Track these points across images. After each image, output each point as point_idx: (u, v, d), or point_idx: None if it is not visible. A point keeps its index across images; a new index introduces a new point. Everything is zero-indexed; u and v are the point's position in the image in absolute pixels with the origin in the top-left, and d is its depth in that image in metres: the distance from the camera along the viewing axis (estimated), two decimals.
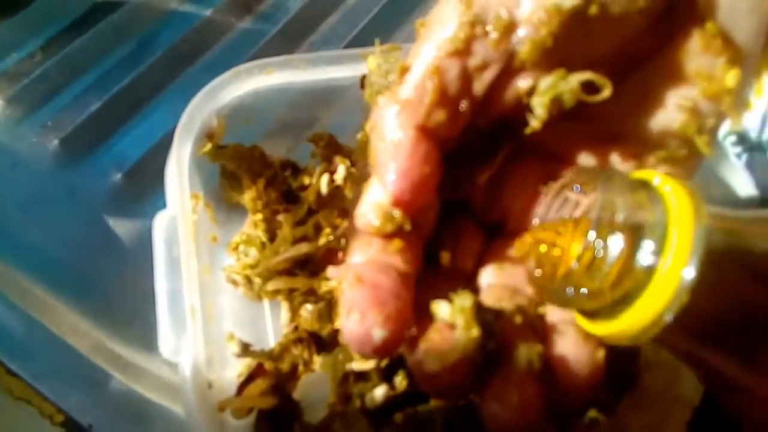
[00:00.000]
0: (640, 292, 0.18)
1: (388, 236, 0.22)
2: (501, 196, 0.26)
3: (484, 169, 0.25)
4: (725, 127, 0.45)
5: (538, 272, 0.22)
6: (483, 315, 0.21)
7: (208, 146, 0.37)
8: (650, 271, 0.18)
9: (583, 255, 0.19)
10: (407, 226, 0.22)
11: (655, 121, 0.23)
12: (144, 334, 0.36)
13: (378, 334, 0.20)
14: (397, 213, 0.21)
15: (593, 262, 0.19)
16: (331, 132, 0.41)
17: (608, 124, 0.24)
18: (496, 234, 0.26)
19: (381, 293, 0.21)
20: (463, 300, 0.21)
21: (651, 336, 0.19)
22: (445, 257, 0.24)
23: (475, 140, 0.24)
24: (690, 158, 0.23)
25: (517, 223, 0.25)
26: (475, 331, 0.20)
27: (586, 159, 0.25)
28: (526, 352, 0.21)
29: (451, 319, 0.21)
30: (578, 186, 0.22)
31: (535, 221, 0.23)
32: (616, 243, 0.19)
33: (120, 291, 0.38)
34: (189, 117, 0.36)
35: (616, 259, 0.18)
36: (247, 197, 0.38)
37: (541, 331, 0.23)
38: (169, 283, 0.31)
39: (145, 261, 0.34)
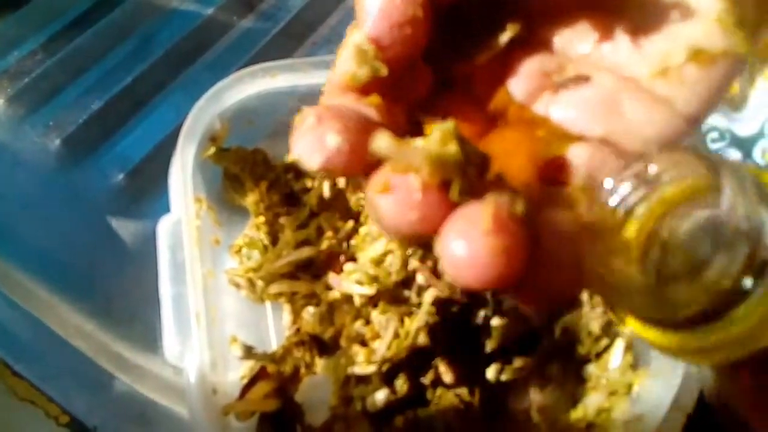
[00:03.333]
0: (740, 312, 0.16)
1: (365, 90, 0.20)
2: (503, 82, 0.23)
3: (484, 48, 0.23)
4: (708, 122, 0.45)
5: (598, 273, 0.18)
6: (465, 146, 0.18)
7: (212, 149, 0.37)
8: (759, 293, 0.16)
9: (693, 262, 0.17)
10: (383, 71, 0.19)
11: (684, 7, 0.20)
12: (146, 336, 0.36)
13: (332, 139, 0.17)
14: (371, 49, 0.19)
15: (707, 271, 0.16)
16: None
17: (623, 12, 0.21)
18: (497, 122, 0.24)
19: (342, 110, 0.19)
20: (445, 124, 0.18)
21: (730, 359, 0.17)
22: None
23: (474, 13, 0.23)
24: (722, 61, 0.20)
25: (519, 112, 0.23)
26: (453, 147, 0.17)
27: (593, 53, 0.22)
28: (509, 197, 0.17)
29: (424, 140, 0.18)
30: (654, 166, 0.18)
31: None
32: (738, 254, 0.16)
33: (122, 292, 0.38)
34: (193, 120, 0.36)
35: (736, 271, 0.16)
36: (250, 200, 0.39)
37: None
38: (173, 287, 0.32)
39: (147, 262, 0.34)
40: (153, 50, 0.48)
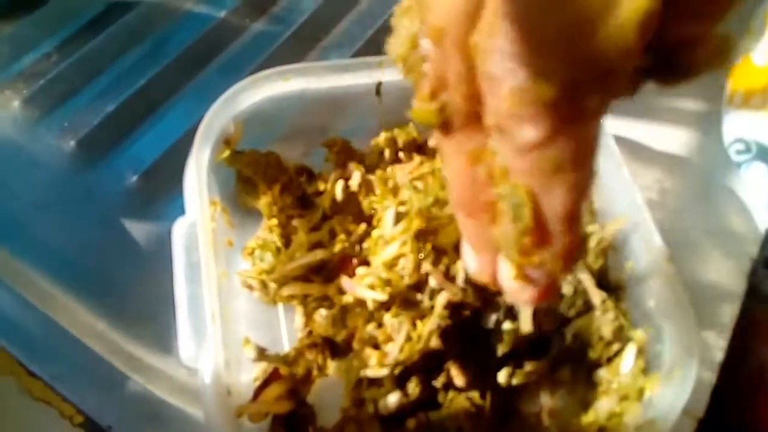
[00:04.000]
0: None
1: None
2: None
3: None
4: (733, 133, 0.44)
5: None
6: None
7: (226, 152, 0.38)
8: None
9: None
10: None
11: None
12: (160, 336, 0.37)
13: None
14: None
15: None
16: (345, 138, 0.41)
17: None
18: None
19: None
20: None
21: None
22: None
23: None
24: None
25: None
26: None
27: None
28: None
29: None
30: None
31: None
32: None
33: (136, 292, 0.39)
34: (207, 123, 0.36)
35: None
36: (263, 202, 0.39)
37: None
38: (189, 289, 0.32)
39: (161, 262, 0.34)
40: (166, 53, 0.48)
